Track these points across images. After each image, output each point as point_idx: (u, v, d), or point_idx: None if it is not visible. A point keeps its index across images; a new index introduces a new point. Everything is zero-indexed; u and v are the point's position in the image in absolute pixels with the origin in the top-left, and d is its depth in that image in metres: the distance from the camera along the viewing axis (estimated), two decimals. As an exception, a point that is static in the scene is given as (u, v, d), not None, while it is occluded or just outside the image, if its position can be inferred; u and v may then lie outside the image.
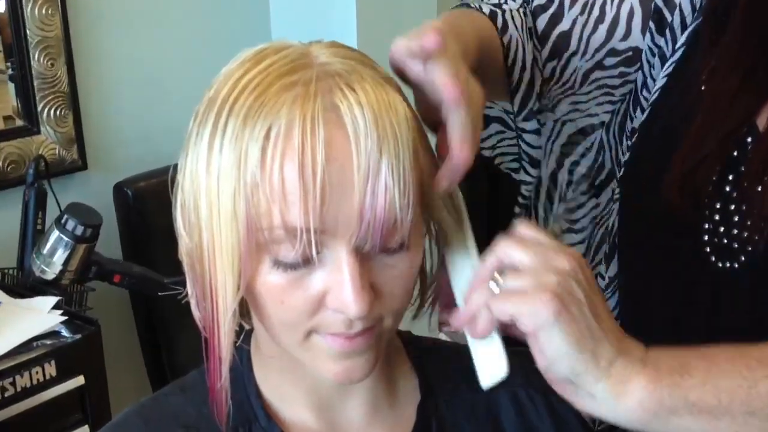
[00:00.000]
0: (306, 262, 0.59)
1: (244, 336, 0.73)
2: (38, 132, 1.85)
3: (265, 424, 0.71)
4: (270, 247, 0.59)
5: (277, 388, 0.72)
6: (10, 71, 1.81)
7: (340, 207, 0.57)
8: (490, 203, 1.93)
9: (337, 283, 0.59)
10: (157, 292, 1.63)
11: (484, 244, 0.68)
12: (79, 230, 1.52)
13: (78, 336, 1.43)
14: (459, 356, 0.80)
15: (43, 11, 1.79)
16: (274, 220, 0.57)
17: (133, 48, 2.02)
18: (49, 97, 1.85)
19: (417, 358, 0.77)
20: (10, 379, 1.33)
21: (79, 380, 1.42)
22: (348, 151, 0.57)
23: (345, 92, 0.58)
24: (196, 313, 0.69)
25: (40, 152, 1.83)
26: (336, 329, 0.61)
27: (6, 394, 1.33)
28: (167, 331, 1.89)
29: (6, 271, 1.69)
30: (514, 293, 0.62)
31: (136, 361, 1.95)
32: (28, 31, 1.78)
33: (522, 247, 0.63)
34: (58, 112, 1.87)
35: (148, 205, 1.88)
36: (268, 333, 0.66)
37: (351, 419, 0.73)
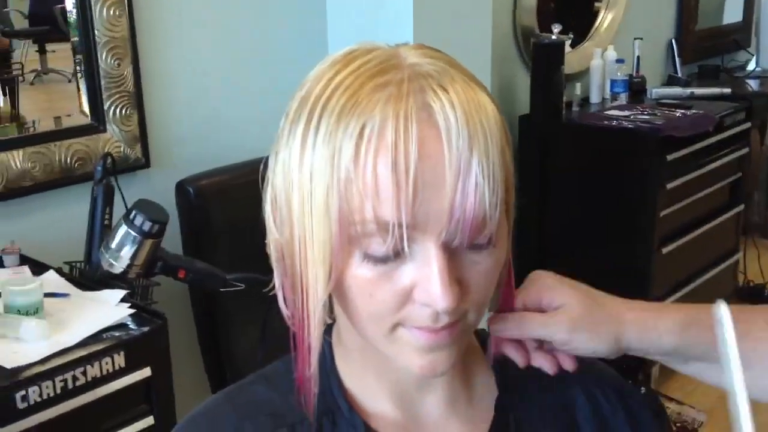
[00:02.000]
0: (395, 256, 0.61)
1: (325, 329, 0.75)
2: (104, 130, 1.90)
3: (348, 415, 0.73)
4: (361, 241, 0.60)
5: (359, 380, 0.74)
6: (80, 71, 1.86)
7: (431, 203, 0.59)
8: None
9: (426, 277, 0.60)
10: (220, 288, 1.66)
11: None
12: (147, 226, 1.55)
13: (146, 328, 1.46)
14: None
15: (111, 12, 1.85)
16: (367, 214, 0.59)
17: (196, 49, 2.07)
18: (115, 96, 1.90)
19: (493, 356, 0.78)
20: (81, 369, 1.37)
21: (146, 372, 1.45)
22: (440, 149, 0.58)
23: (437, 92, 0.60)
24: (283, 306, 0.71)
25: (105, 150, 1.88)
26: (422, 323, 0.63)
27: (77, 383, 1.36)
28: (225, 327, 1.93)
29: (74, 264, 1.73)
30: None
31: (195, 356, 1.99)
32: (96, 32, 1.84)
33: None
34: (123, 111, 1.91)
35: (209, 203, 1.92)
36: (353, 326, 0.67)
37: (430, 413, 0.74)
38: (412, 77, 0.61)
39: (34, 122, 1.87)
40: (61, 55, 1.95)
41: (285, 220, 0.66)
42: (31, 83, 1.93)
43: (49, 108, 1.94)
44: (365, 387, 0.74)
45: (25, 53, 1.92)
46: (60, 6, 1.87)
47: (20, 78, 1.89)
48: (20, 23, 1.94)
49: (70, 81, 1.93)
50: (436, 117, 0.59)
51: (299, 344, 0.69)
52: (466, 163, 0.59)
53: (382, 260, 0.61)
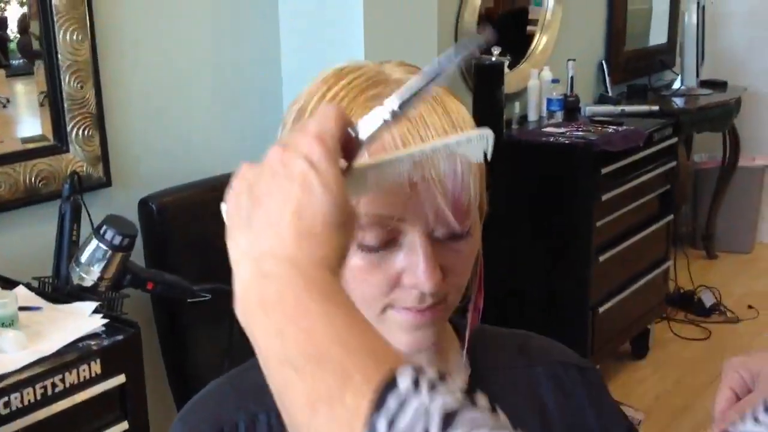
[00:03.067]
0: (386, 246, 0.71)
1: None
2: (67, 150, 1.96)
3: None
4: (356, 234, 0.70)
5: None
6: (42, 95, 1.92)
7: (420, 200, 0.69)
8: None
9: (414, 264, 0.70)
10: (187, 299, 1.74)
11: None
12: (117, 240, 1.63)
13: (120, 337, 1.52)
14: (502, 337, 0.92)
15: (74, 36, 1.91)
16: (362, 210, 0.69)
17: (156, 71, 2.14)
18: (78, 118, 1.96)
19: (464, 338, 0.88)
20: (60, 376, 1.42)
21: (121, 378, 1.51)
22: None
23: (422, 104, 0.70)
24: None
25: (68, 169, 1.93)
26: (409, 304, 0.73)
27: (56, 390, 1.42)
28: (188, 340, 2.00)
29: (42, 279, 1.78)
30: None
31: (160, 365, 2.05)
32: (60, 56, 1.90)
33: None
34: (85, 132, 1.98)
35: (172, 219, 2.00)
36: None
37: None
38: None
39: (-4, 143, 1.92)
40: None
41: None
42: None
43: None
44: None
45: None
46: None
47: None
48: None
49: (4, 106, 1.97)
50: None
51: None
52: (450, 164, 0.70)
53: (375, 250, 0.71)
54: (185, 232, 2.02)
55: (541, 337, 0.95)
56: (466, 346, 0.85)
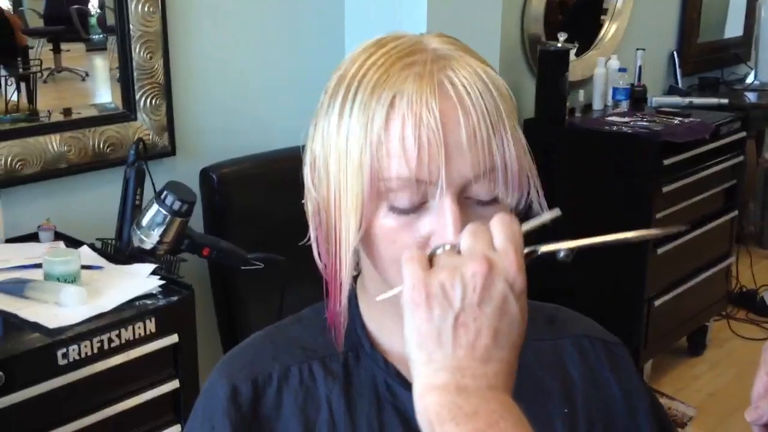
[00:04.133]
0: (416, 209, 0.73)
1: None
2: (135, 119, 2.03)
3: (369, 351, 0.84)
4: (387, 195, 0.73)
5: (379, 322, 0.86)
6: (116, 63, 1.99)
7: (449, 164, 0.71)
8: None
9: (441, 226, 0.72)
10: (241, 266, 1.79)
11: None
12: (177, 205, 1.68)
13: (174, 298, 1.59)
14: (533, 309, 0.93)
15: (146, 8, 1.98)
16: (393, 171, 0.71)
17: (223, 45, 2.20)
18: (146, 88, 2.03)
19: None
20: (116, 332, 1.49)
21: (174, 338, 1.57)
22: (458, 118, 0.71)
23: (456, 70, 0.73)
24: (317, 255, 0.83)
25: (135, 137, 2.01)
26: None
27: (112, 345, 1.49)
28: (241, 305, 2.06)
29: (106, 241, 1.86)
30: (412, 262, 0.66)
31: (215, 330, 2.11)
32: (131, 27, 1.97)
33: (465, 235, 0.67)
34: (153, 102, 2.05)
35: (231, 190, 2.06)
36: (377, 270, 0.79)
37: None
38: (435, 59, 0.74)
39: (68, 110, 2.00)
40: (74, 54, 2.04)
41: (323, 178, 0.78)
42: (44, 81, 1.99)
43: (60, 105, 1.98)
44: (383, 328, 0.85)
45: (39, 51, 1.98)
46: (76, 7, 1.99)
47: (38, 74, 1.97)
48: (35, 23, 1.99)
49: (83, 79, 2.05)
50: (456, 90, 0.72)
51: (331, 286, 0.81)
52: (481, 131, 0.72)
53: (405, 212, 0.73)
54: (242, 203, 2.08)
55: (570, 311, 0.97)
56: None
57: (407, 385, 0.81)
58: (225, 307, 2.08)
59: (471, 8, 2.35)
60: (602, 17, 3.50)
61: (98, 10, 2.02)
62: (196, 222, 2.04)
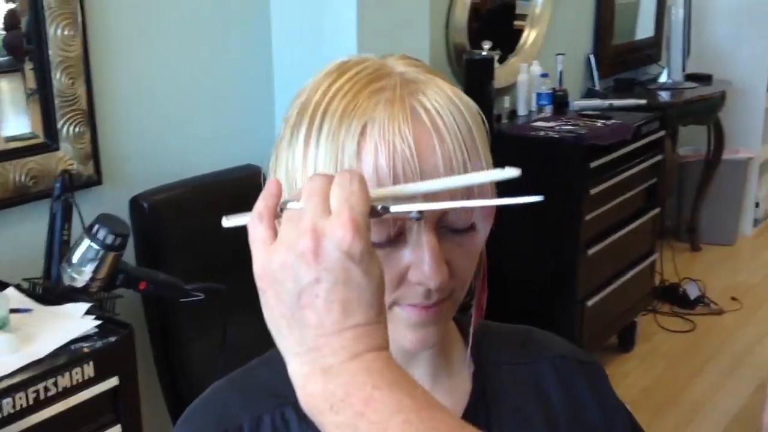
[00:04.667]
0: (392, 242, 0.70)
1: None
2: (57, 148, 1.94)
3: None
4: None
5: None
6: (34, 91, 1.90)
7: (425, 194, 0.68)
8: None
9: (420, 259, 0.69)
10: (180, 299, 1.73)
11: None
12: (110, 239, 1.61)
13: (113, 339, 1.52)
14: (505, 333, 0.92)
15: (65, 32, 1.89)
16: None
17: (148, 69, 2.12)
18: (69, 115, 1.94)
19: (467, 334, 0.86)
20: (53, 380, 1.42)
21: (114, 381, 1.51)
22: (432, 145, 0.68)
23: (427, 95, 0.70)
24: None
25: (59, 168, 1.92)
26: (415, 300, 0.72)
27: (49, 394, 1.41)
28: (180, 339, 1.99)
29: (33, 281, 1.77)
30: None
31: (153, 368, 2.04)
32: (50, 52, 1.88)
33: (303, 196, 0.60)
34: (76, 129, 1.96)
35: (164, 218, 1.99)
36: None
37: None
38: (403, 83, 0.71)
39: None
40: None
41: None
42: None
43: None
44: None
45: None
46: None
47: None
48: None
49: None
50: (429, 117, 0.69)
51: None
52: (456, 158, 0.69)
53: (380, 246, 0.69)
54: (177, 231, 2.01)
55: (543, 332, 0.95)
56: (470, 343, 0.85)
57: None
58: (162, 344, 2.00)
59: (399, 20, 2.33)
60: (515, 22, 3.54)
61: (2, 32, 1.91)
62: (127, 254, 1.96)
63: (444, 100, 0.70)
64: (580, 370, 0.89)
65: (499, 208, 0.74)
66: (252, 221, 0.62)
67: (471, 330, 0.84)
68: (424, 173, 0.68)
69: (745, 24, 4.61)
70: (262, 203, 0.62)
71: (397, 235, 0.70)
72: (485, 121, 0.74)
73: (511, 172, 0.64)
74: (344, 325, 0.58)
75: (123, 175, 2.09)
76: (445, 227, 0.71)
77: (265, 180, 0.77)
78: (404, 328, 0.74)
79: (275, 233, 0.61)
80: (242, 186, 2.19)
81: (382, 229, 0.69)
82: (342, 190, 0.59)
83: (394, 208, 0.62)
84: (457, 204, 0.67)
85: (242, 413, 0.79)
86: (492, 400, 0.83)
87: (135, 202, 1.98)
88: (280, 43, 2.39)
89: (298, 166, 0.71)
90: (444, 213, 0.70)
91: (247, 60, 2.37)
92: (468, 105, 0.72)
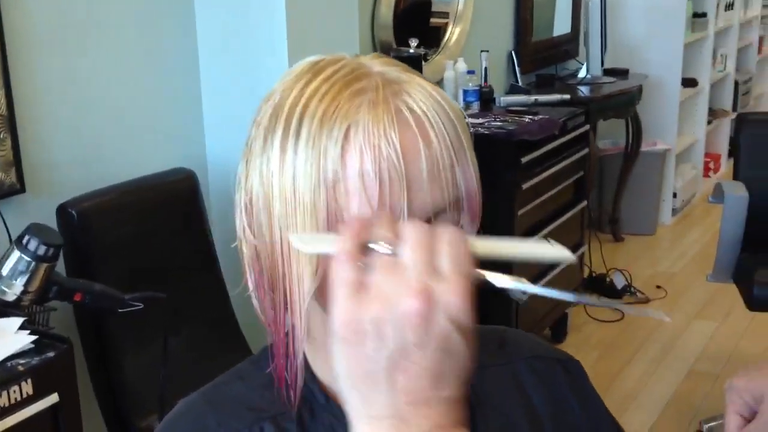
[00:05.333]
0: None
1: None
2: (-24, 156, 1.84)
3: (324, 403, 0.77)
4: None
5: (331, 371, 0.79)
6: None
7: (412, 198, 0.65)
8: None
9: None
10: (118, 309, 1.65)
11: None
12: (42, 250, 1.53)
13: (51, 354, 1.44)
14: (482, 334, 0.90)
15: (-20, 35, 1.79)
16: (353, 211, 0.65)
17: (71, 71, 2.04)
18: (-13, 121, 1.84)
19: None
20: (-11, 400, 1.33)
21: (54, 398, 1.43)
22: (418, 148, 0.65)
23: (412, 95, 0.67)
24: (257, 305, 0.76)
25: (-22, 177, 1.81)
26: None
27: (-15, 415, 1.33)
28: (118, 350, 1.90)
29: (-43, 296, 1.66)
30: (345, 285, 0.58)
31: (89, 381, 1.95)
32: (-36, 55, 1.78)
33: (406, 244, 0.57)
34: (-4, 136, 1.86)
35: (94, 225, 1.90)
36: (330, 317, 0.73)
37: None
38: (385, 83, 0.67)
39: None
40: None
41: (263, 223, 0.70)
42: None
43: None
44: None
45: None
46: None
47: None
48: None
49: None
50: (414, 119, 0.66)
51: (277, 339, 0.74)
52: (444, 159, 0.66)
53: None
54: (108, 239, 1.93)
55: (516, 331, 0.94)
56: None
57: None
58: (98, 358, 1.91)
59: (329, 16, 2.30)
60: (432, 19, 3.54)
61: None
62: (57, 265, 1.87)
63: (429, 100, 0.67)
64: (560, 370, 0.87)
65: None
66: (339, 260, 0.58)
67: None
68: (410, 176, 0.65)
69: (659, 19, 4.75)
70: (349, 241, 0.59)
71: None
72: (467, 119, 0.72)
73: (564, 253, 0.63)
74: (435, 396, 0.56)
75: (48, 182, 1.99)
76: None
77: (237, 187, 0.73)
78: None
79: (363, 277, 0.57)
80: (173, 190, 2.13)
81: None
82: (453, 250, 0.57)
83: (498, 282, 0.61)
84: (568, 296, 0.66)
85: (218, 429, 0.75)
86: (477, 404, 0.81)
87: (63, 210, 1.89)
88: (206, 44, 2.33)
89: (274, 172, 0.68)
90: (431, 217, 0.67)
91: (172, 62, 2.30)
92: (452, 105, 0.69)
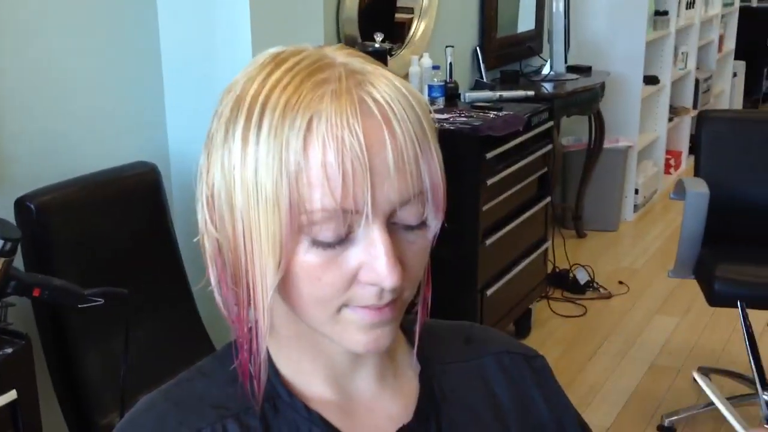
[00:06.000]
0: (341, 241, 0.66)
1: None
2: (-69, 148, 1.79)
3: (288, 399, 0.76)
4: (309, 229, 0.65)
5: (295, 365, 0.77)
6: None
7: (376, 190, 0.65)
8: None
9: (372, 258, 0.66)
10: (78, 305, 1.62)
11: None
12: (-1, 244, 1.50)
13: (9, 350, 1.41)
14: (447, 331, 0.89)
15: (-65, 23, 1.74)
16: (316, 203, 0.64)
17: (28, 62, 1.99)
18: (-58, 112, 1.79)
19: (412, 334, 0.84)
20: (-56, 398, 1.30)
21: (12, 395, 1.40)
22: (383, 137, 0.65)
23: (376, 86, 0.66)
24: (219, 300, 0.74)
25: (-67, 169, 1.77)
26: (367, 302, 0.68)
27: (-61, 414, 1.30)
28: (77, 346, 1.87)
29: None
30: None
31: (47, 377, 1.91)
32: None
33: None
34: (-49, 127, 1.81)
35: (53, 219, 1.87)
36: (297, 311, 0.72)
37: (363, 389, 0.79)
38: (348, 74, 0.66)
39: None
40: None
41: (225, 215, 0.69)
42: None
43: None
44: (301, 372, 0.77)
45: None
46: None
47: None
48: None
49: None
50: (378, 108, 0.65)
51: (240, 333, 0.73)
52: (408, 151, 0.66)
53: (330, 245, 0.66)
54: (69, 233, 1.90)
55: (482, 327, 0.94)
56: (416, 344, 0.82)
57: (333, 431, 0.75)
58: (57, 354, 1.88)
59: (293, 10, 2.28)
60: (397, 15, 3.53)
61: None
62: (15, 259, 1.83)
63: (393, 91, 0.66)
64: (527, 366, 0.87)
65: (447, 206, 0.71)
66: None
67: (417, 329, 0.81)
68: (374, 168, 0.64)
69: (622, 17, 4.79)
70: None
71: (347, 234, 0.66)
72: (432, 113, 0.71)
73: None
74: None
75: (5, 175, 1.95)
76: (396, 224, 0.68)
77: (198, 181, 0.71)
78: (355, 331, 0.70)
79: None
80: (134, 183, 2.10)
81: (333, 228, 0.65)
82: None
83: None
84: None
85: (180, 428, 0.74)
86: (442, 400, 0.81)
87: (20, 204, 1.85)
88: (168, 37, 2.29)
89: (236, 164, 0.67)
90: (395, 209, 0.66)
91: (134, 53, 2.26)
92: (417, 96, 0.69)
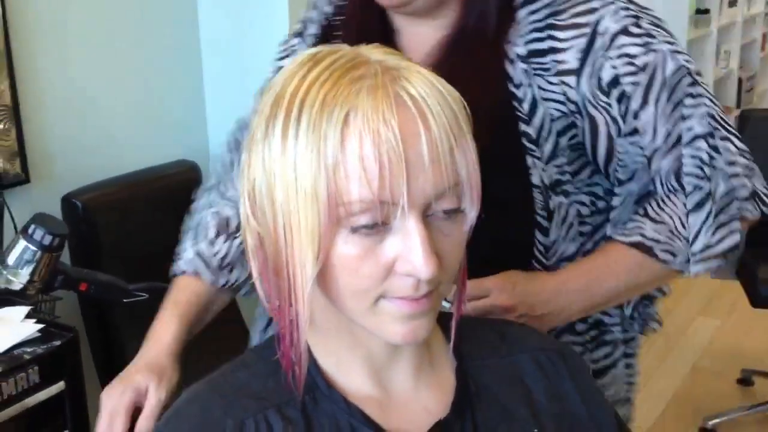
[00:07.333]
0: (379, 232, 0.68)
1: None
2: (-19, 146, 1.85)
3: (326, 392, 0.77)
4: (347, 220, 0.67)
5: (334, 357, 0.79)
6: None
7: (412, 181, 0.66)
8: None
9: (409, 249, 0.67)
10: (123, 299, 1.65)
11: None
12: (47, 239, 1.52)
13: (57, 342, 1.45)
14: (483, 327, 0.90)
15: (-15, 24, 1.80)
16: (354, 194, 0.66)
17: (74, 62, 2.05)
18: (-8, 112, 1.85)
19: (448, 329, 0.85)
20: (-4, 386, 1.34)
21: (60, 386, 1.44)
22: (417, 130, 0.66)
23: (410, 81, 0.68)
24: (261, 293, 0.76)
25: (-17, 167, 1.82)
26: (404, 293, 0.70)
27: (-7, 402, 1.34)
28: (122, 339, 1.91)
29: (-36, 285, 1.67)
30: None
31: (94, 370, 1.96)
32: (-29, 47, 1.78)
33: None
34: (1, 126, 1.86)
35: (99, 216, 1.91)
36: (335, 303, 0.73)
37: (400, 382, 0.80)
38: (384, 70, 0.68)
39: None
40: None
41: (266, 209, 0.71)
42: None
43: None
44: (339, 363, 0.78)
45: None
46: None
47: None
48: None
49: None
50: (414, 103, 0.67)
51: (284, 325, 0.74)
52: (443, 143, 0.67)
53: (367, 236, 0.68)
54: (112, 229, 1.94)
55: (519, 325, 0.94)
56: (453, 338, 0.83)
57: (373, 426, 0.76)
58: (103, 347, 1.92)
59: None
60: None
61: None
62: (62, 254, 1.88)
63: (428, 86, 0.68)
64: (562, 363, 0.87)
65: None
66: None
67: (453, 324, 0.82)
68: (409, 160, 0.66)
69: (661, 14, 4.65)
70: None
71: (382, 225, 0.67)
72: (467, 107, 0.72)
73: None
74: None
75: (52, 172, 2.00)
76: (432, 216, 0.69)
77: (241, 177, 0.74)
78: (392, 322, 0.71)
79: None
80: (176, 182, 2.14)
81: (370, 214, 0.66)
82: None
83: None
84: None
85: (225, 418, 0.75)
86: (477, 395, 0.81)
87: (67, 201, 1.90)
88: (208, 36, 2.33)
89: (275, 159, 0.69)
90: (431, 201, 0.68)
91: (175, 53, 2.30)
92: (451, 91, 0.70)
